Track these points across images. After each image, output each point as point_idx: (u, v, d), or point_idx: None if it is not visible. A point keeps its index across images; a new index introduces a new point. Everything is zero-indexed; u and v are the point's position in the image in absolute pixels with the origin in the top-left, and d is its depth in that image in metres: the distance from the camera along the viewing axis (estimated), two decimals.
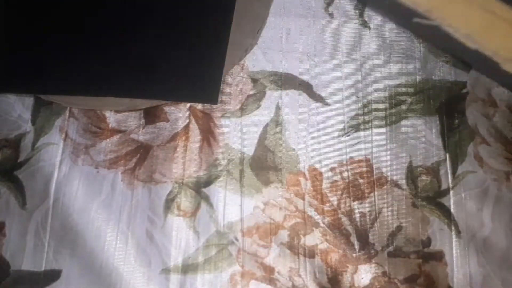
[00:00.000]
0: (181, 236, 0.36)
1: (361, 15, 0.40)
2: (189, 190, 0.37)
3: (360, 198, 0.37)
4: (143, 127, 0.39)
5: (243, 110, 0.39)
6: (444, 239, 0.36)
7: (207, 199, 0.37)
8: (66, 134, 0.39)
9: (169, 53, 0.40)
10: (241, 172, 0.38)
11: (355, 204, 0.36)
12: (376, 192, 0.37)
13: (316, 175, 0.37)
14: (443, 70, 0.39)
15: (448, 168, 0.37)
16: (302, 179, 0.37)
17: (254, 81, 0.39)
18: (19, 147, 0.39)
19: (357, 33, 0.40)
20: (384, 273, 0.35)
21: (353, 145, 0.38)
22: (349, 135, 0.38)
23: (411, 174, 0.37)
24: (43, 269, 0.36)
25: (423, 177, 0.37)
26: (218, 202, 0.37)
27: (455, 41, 0.28)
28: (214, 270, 0.35)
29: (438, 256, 0.35)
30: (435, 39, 0.33)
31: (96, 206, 0.37)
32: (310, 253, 0.36)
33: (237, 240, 0.36)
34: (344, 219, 0.36)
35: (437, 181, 0.37)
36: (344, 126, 0.38)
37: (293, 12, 0.41)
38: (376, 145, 0.38)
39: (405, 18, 0.29)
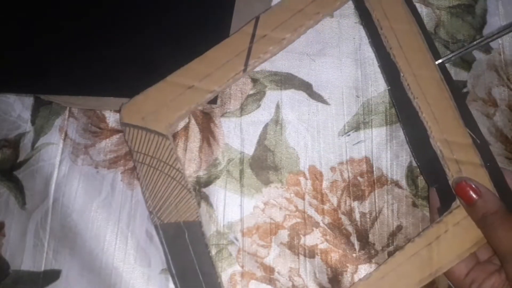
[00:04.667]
0: None
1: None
2: None
3: (360, 197, 0.37)
4: None
5: (243, 110, 0.39)
6: None
7: (207, 199, 0.37)
8: (66, 134, 0.39)
9: (169, 53, 0.40)
10: (241, 172, 0.38)
11: (355, 204, 0.36)
12: (376, 191, 0.37)
13: (316, 175, 0.37)
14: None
15: None
16: (302, 179, 0.37)
17: (254, 80, 0.39)
18: (18, 147, 0.39)
19: (357, 33, 0.40)
20: None
21: (353, 144, 0.38)
22: (349, 135, 0.38)
23: (411, 173, 0.37)
24: (42, 269, 0.36)
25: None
26: (218, 202, 0.37)
27: None
28: None
29: None
30: None
31: (96, 206, 0.37)
32: (310, 253, 0.36)
33: (237, 240, 0.36)
34: (344, 219, 0.36)
35: None
36: (344, 126, 0.38)
37: None
38: (376, 144, 0.38)
39: None
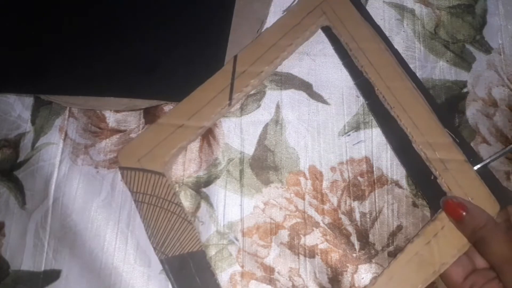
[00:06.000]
0: None
1: None
2: (189, 190, 0.37)
3: (360, 197, 0.37)
4: (142, 127, 0.39)
5: (243, 109, 0.39)
6: None
7: (207, 199, 0.37)
8: (66, 134, 0.39)
9: (169, 53, 0.40)
10: (241, 172, 0.37)
11: (355, 204, 0.36)
12: (376, 191, 0.37)
13: (316, 175, 0.37)
14: (443, 70, 0.39)
15: None
16: (302, 179, 0.37)
17: None
18: (18, 147, 0.39)
19: None
20: None
21: (353, 144, 0.38)
22: (349, 135, 0.38)
23: None
24: (42, 269, 0.36)
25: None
26: (218, 202, 0.37)
27: None
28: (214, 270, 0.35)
29: None
30: None
31: (96, 206, 0.37)
32: (310, 253, 0.36)
33: (237, 240, 0.36)
34: (344, 219, 0.36)
35: None
36: (344, 126, 0.38)
37: None
38: (376, 144, 0.37)
39: None
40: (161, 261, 0.34)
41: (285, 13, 0.40)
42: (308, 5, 0.38)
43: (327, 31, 0.39)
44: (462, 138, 0.35)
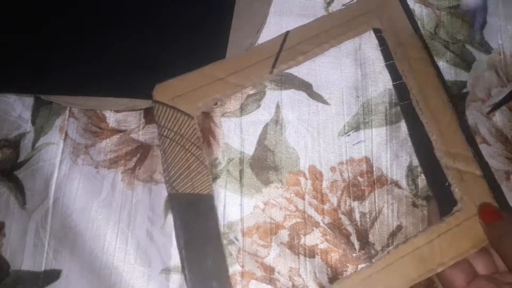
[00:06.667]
0: None
1: None
2: None
3: (360, 197, 0.37)
4: (143, 127, 0.39)
5: (243, 109, 0.39)
6: None
7: None
8: (66, 134, 0.39)
9: (168, 53, 0.40)
10: (241, 172, 0.38)
11: (355, 204, 0.36)
12: (376, 191, 0.37)
13: (316, 175, 0.37)
14: (443, 70, 0.39)
15: None
16: (302, 179, 0.37)
17: None
18: (19, 147, 0.39)
19: None
20: None
21: (353, 144, 0.38)
22: (349, 135, 0.38)
23: (411, 173, 0.37)
24: (42, 269, 0.36)
25: (423, 176, 0.37)
26: (218, 201, 0.37)
27: None
28: None
29: None
30: None
31: (96, 206, 0.37)
32: (310, 253, 0.36)
33: (237, 240, 0.36)
34: (344, 219, 0.36)
35: None
36: (344, 126, 0.38)
37: (293, 12, 0.41)
38: (376, 144, 0.38)
39: None
40: (170, 195, 0.34)
41: (343, 7, 0.40)
42: (366, 6, 0.39)
43: (377, 32, 0.39)
44: (482, 156, 0.35)
